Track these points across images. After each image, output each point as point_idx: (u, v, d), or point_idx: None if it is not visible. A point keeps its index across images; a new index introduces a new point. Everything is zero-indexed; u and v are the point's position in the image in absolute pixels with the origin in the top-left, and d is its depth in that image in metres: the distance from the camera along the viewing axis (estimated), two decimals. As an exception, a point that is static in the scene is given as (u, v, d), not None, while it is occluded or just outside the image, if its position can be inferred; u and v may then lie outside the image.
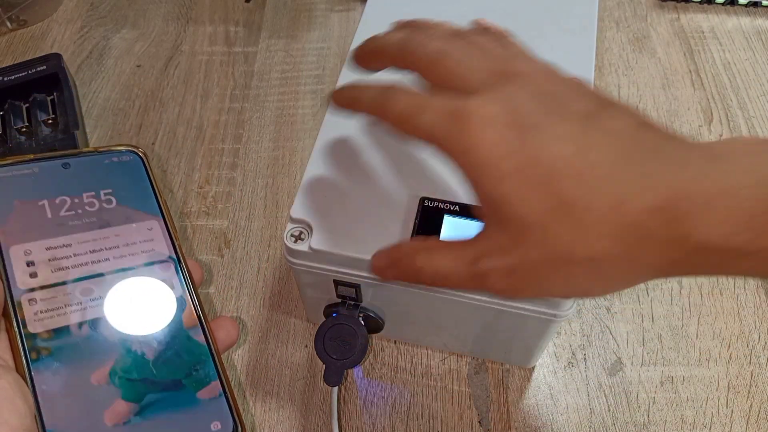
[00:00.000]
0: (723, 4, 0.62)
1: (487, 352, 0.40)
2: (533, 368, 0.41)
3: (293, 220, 0.34)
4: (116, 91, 0.56)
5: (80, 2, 0.64)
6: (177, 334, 0.29)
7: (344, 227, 0.34)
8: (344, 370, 0.36)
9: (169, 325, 0.29)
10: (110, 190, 0.32)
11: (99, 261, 0.30)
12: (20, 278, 0.29)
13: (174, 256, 0.31)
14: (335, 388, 0.36)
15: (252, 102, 0.55)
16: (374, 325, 0.39)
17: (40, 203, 0.31)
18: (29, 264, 0.29)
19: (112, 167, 0.33)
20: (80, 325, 0.28)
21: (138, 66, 0.58)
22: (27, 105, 0.51)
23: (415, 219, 0.34)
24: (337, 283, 0.35)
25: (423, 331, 0.39)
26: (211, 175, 0.51)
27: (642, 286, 0.44)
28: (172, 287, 0.30)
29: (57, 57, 0.53)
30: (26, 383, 0.26)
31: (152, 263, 0.30)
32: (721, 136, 0.52)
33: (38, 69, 0.52)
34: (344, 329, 0.36)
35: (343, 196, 0.35)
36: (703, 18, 0.61)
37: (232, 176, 0.50)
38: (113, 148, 0.33)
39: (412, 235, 0.33)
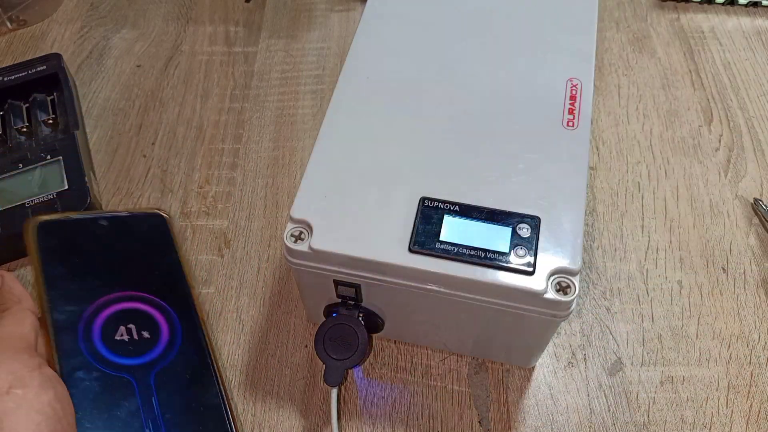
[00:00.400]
0: (723, 4, 0.62)
1: (487, 352, 0.40)
2: (533, 368, 0.41)
3: (293, 220, 0.34)
4: (116, 91, 0.56)
5: (80, 2, 0.64)
6: (197, 375, 0.35)
7: (344, 227, 0.34)
8: (344, 370, 0.36)
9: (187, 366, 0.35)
10: (138, 245, 0.39)
11: (127, 303, 0.36)
12: (61, 317, 0.34)
13: (191, 302, 0.37)
14: (335, 388, 0.36)
15: (252, 102, 0.55)
16: (374, 325, 0.39)
17: (81, 253, 0.37)
18: (69, 304, 0.35)
19: (141, 225, 0.40)
20: (114, 360, 0.34)
21: (138, 66, 0.58)
22: (27, 105, 0.51)
23: (415, 219, 0.34)
24: (337, 283, 0.35)
25: (423, 331, 0.39)
26: (211, 175, 0.51)
27: (642, 285, 0.44)
28: (188, 322, 0.36)
29: (57, 57, 0.53)
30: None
31: (173, 310, 0.37)
32: (721, 136, 0.52)
33: (38, 69, 0.52)
34: (344, 329, 0.36)
35: (343, 197, 0.35)
36: (703, 18, 0.61)
37: (232, 176, 0.50)
38: (143, 210, 0.41)
39: (413, 235, 0.33)
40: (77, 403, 0.30)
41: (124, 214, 0.40)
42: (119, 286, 0.36)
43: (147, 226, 0.40)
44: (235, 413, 0.34)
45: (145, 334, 0.35)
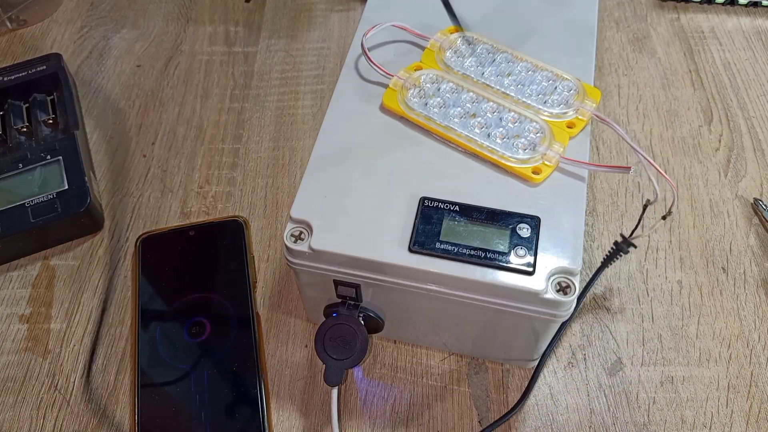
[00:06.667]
0: (723, 4, 0.62)
1: (487, 352, 0.40)
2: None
3: (293, 220, 0.34)
4: (116, 91, 0.56)
5: (80, 2, 0.64)
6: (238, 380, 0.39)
7: (344, 227, 0.34)
8: (344, 370, 0.36)
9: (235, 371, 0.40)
10: (216, 250, 0.44)
11: (198, 303, 0.42)
12: (145, 318, 0.41)
13: (250, 299, 0.42)
14: (335, 388, 0.36)
15: (252, 102, 0.55)
16: (374, 325, 0.39)
17: (170, 261, 0.44)
18: (153, 306, 0.42)
19: (221, 232, 0.45)
20: (178, 355, 0.40)
21: (138, 66, 0.58)
22: (27, 105, 0.51)
23: (415, 219, 0.34)
24: (337, 283, 0.35)
25: (423, 331, 0.39)
26: (211, 175, 0.51)
27: (642, 286, 0.44)
28: (244, 318, 0.41)
29: (57, 57, 0.53)
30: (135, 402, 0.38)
31: (233, 307, 0.42)
32: (721, 136, 0.52)
33: (38, 69, 0.52)
34: (344, 329, 0.36)
35: (343, 197, 0.35)
36: (703, 18, 0.61)
37: (232, 176, 0.50)
38: (224, 218, 0.46)
39: (413, 235, 0.33)
40: (146, 388, 0.38)
41: (207, 222, 0.46)
42: (195, 288, 0.42)
43: (226, 232, 0.45)
44: (269, 401, 0.39)
45: (208, 330, 0.40)
